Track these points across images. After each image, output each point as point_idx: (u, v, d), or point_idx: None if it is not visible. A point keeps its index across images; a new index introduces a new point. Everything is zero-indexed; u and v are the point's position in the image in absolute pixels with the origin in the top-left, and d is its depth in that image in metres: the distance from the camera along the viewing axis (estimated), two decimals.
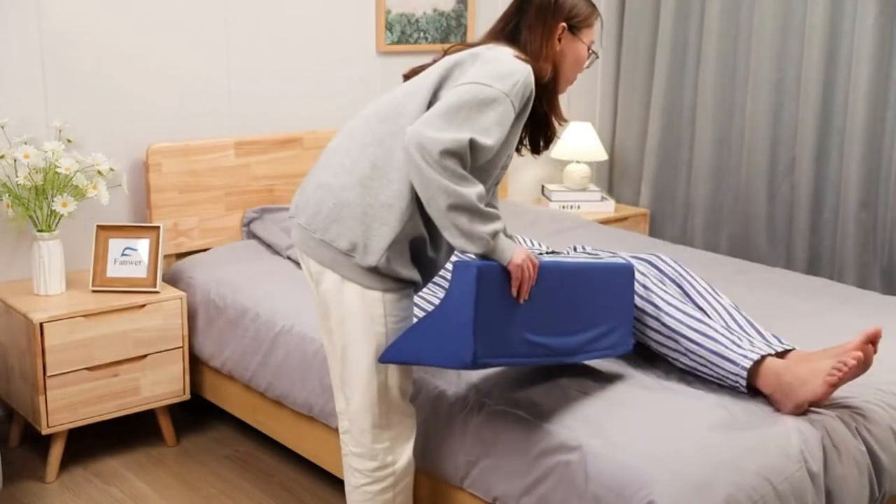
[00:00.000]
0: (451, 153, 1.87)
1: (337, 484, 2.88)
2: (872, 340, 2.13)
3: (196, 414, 3.36)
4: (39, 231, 2.93)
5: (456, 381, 2.32)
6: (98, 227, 3.07)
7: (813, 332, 2.63)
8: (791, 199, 4.08)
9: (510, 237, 2.15)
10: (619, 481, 1.91)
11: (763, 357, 2.18)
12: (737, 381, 2.19)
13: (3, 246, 3.10)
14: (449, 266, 2.48)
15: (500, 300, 1.97)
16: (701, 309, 2.40)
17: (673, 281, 2.46)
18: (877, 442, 2.16)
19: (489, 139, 1.93)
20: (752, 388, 2.21)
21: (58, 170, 2.88)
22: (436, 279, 2.69)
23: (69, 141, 3.08)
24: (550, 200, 4.33)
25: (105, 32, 3.20)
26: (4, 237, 3.09)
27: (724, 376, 2.21)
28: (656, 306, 2.32)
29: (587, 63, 2.20)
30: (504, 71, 1.97)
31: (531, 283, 1.99)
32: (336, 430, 2.58)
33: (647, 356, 2.43)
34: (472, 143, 1.90)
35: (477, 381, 2.30)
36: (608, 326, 2.23)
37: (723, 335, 2.25)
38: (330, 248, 2.04)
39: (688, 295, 2.44)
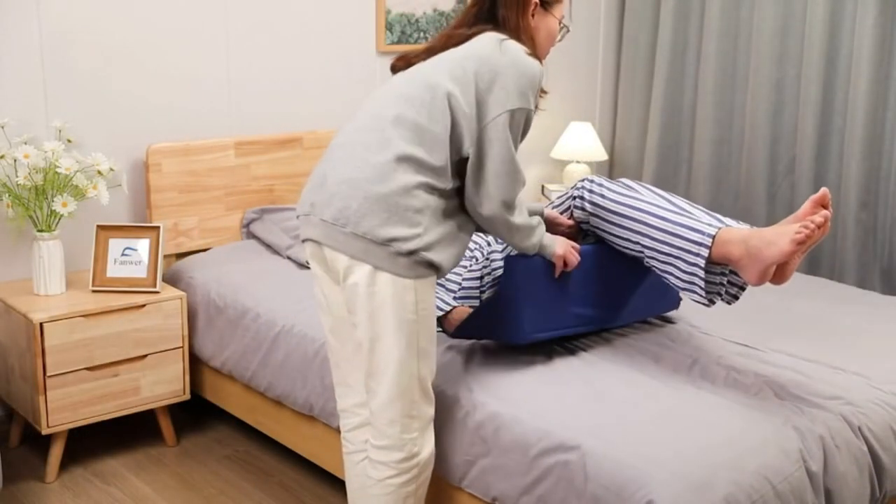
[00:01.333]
0: (514, 201, 2.15)
1: (337, 484, 2.88)
2: (823, 203, 2.12)
3: (196, 414, 3.36)
4: (39, 231, 2.93)
5: (456, 381, 2.32)
6: (98, 227, 3.07)
7: (813, 332, 2.64)
8: (791, 199, 4.08)
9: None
10: (618, 481, 1.91)
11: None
12: (699, 251, 2.19)
13: (3, 246, 3.10)
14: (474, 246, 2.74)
15: (544, 284, 2.34)
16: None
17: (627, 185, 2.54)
18: (877, 441, 2.16)
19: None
20: (711, 263, 2.22)
21: (58, 170, 2.88)
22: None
23: (69, 141, 3.08)
24: (550, 200, 4.32)
25: (105, 32, 3.20)
26: (4, 237, 3.09)
27: (686, 249, 2.22)
28: (616, 194, 2.40)
29: (559, 37, 2.29)
30: (529, 81, 2.11)
31: (575, 266, 2.34)
32: (336, 429, 2.58)
33: (649, 355, 2.44)
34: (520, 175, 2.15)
35: (477, 381, 2.30)
36: (648, 288, 2.56)
37: (684, 210, 2.31)
38: (363, 240, 2.03)
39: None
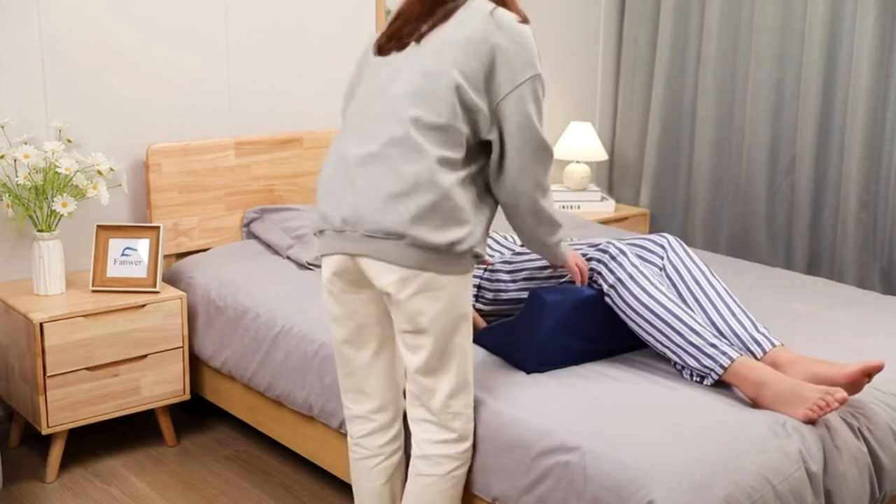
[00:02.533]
0: (547, 184, 2.12)
1: (337, 484, 2.88)
2: (870, 373, 2.15)
3: (196, 414, 3.36)
4: (39, 231, 2.93)
5: None
6: (98, 227, 3.07)
7: (813, 332, 2.64)
8: (791, 199, 4.08)
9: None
10: (618, 481, 1.91)
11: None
12: (708, 373, 2.21)
13: (3, 246, 3.10)
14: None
15: (565, 324, 2.35)
16: (688, 303, 2.42)
17: (665, 272, 2.48)
18: (877, 442, 2.16)
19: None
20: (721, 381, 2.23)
21: (58, 170, 2.88)
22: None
23: (69, 141, 3.08)
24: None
25: (105, 32, 3.20)
26: (4, 237, 3.09)
27: (696, 367, 2.23)
28: (642, 288, 2.32)
29: None
30: (530, 49, 2.08)
31: (584, 276, 2.35)
32: (335, 429, 2.58)
33: (649, 356, 2.44)
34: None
35: (477, 382, 2.30)
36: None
37: (703, 328, 2.26)
38: (422, 250, 2.00)
39: (675, 285, 2.45)
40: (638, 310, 2.30)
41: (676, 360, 2.28)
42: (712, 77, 4.24)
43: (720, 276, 3.16)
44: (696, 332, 2.24)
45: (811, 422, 2.07)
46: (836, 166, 3.92)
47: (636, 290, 2.31)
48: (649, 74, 4.56)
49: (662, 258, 2.50)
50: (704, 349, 2.22)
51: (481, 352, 2.46)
